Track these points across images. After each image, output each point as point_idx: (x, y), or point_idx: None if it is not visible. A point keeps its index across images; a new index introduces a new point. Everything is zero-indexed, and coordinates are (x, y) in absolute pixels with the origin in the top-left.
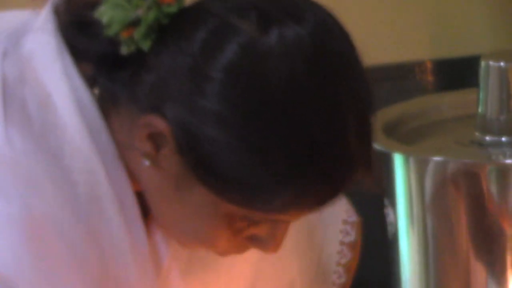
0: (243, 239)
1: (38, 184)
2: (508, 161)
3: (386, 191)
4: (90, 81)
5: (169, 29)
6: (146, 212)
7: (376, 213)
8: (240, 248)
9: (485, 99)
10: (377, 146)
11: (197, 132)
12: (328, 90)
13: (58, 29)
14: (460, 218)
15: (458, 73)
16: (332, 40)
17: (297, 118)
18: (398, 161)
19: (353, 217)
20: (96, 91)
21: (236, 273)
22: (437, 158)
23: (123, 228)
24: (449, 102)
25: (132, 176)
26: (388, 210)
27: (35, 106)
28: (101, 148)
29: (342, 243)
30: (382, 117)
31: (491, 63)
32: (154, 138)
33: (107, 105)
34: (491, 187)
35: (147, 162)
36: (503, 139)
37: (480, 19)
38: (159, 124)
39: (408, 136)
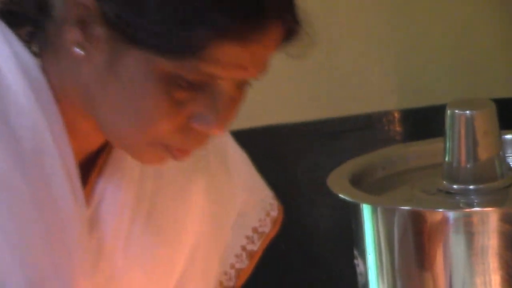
0: (185, 120)
1: None
2: (476, 209)
3: (355, 242)
4: (27, 43)
5: None
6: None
7: (346, 264)
8: (184, 132)
9: (452, 148)
10: (345, 196)
11: None
12: None
13: None
14: (431, 266)
15: (425, 122)
16: None
17: None
18: (366, 212)
19: (265, 228)
20: (35, 49)
21: (180, 238)
22: (405, 208)
23: (66, 184)
24: (415, 152)
25: (79, 109)
26: (358, 261)
27: None
28: (45, 107)
29: (243, 248)
30: (349, 167)
31: (456, 111)
32: (82, 23)
33: (46, 51)
34: (460, 235)
35: (80, 51)
36: (471, 187)
37: (446, 70)
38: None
39: (376, 187)
